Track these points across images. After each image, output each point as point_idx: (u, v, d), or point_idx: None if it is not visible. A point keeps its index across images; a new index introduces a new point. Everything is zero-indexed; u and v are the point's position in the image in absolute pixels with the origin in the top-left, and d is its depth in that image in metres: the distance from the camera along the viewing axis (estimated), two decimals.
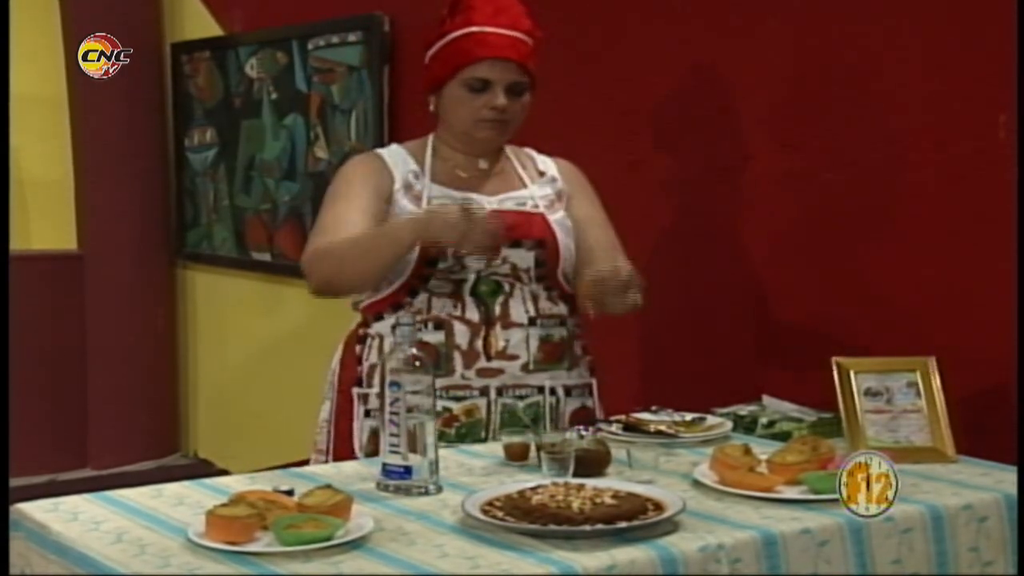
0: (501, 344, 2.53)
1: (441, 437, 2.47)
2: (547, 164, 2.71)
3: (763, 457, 2.21)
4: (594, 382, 2.70)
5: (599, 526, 1.85)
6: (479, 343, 2.53)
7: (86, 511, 2.02)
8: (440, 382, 2.49)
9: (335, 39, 4.50)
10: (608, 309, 2.46)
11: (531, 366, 2.56)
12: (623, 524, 1.86)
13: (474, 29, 2.53)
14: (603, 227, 2.69)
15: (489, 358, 2.53)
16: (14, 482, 2.79)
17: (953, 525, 2.07)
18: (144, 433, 5.40)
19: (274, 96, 4.83)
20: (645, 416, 2.60)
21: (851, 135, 3.03)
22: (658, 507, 1.94)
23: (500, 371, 2.54)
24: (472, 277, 2.53)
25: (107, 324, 5.34)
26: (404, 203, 2.55)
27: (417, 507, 2.04)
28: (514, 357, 2.55)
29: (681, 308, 3.46)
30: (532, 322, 2.56)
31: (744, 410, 2.77)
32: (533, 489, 1.98)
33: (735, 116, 3.29)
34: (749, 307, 3.30)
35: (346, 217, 2.52)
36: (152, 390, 5.41)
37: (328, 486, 1.97)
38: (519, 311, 2.54)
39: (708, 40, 3.31)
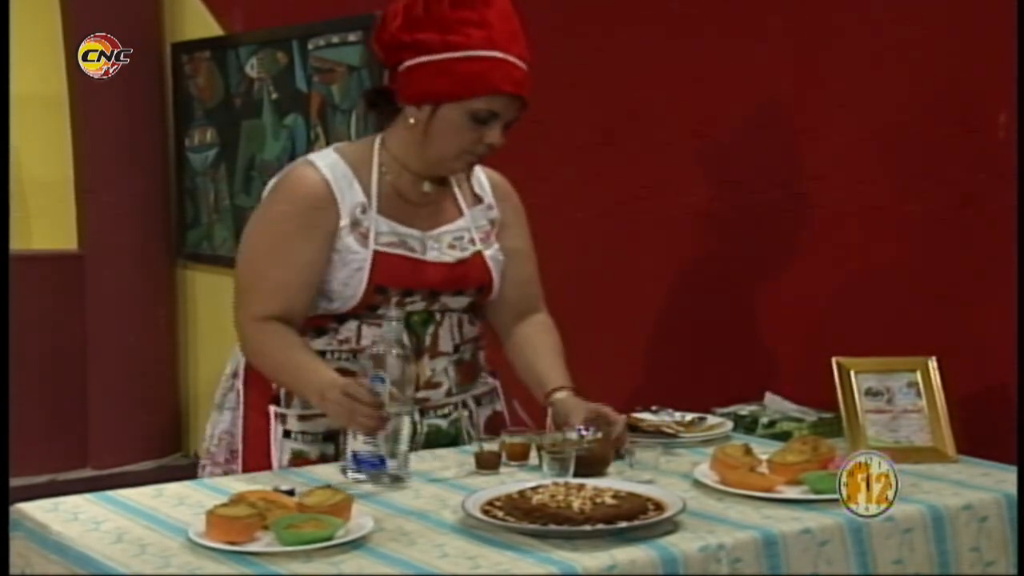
0: (428, 374, 2.47)
1: None
2: (483, 184, 2.57)
3: (764, 457, 2.21)
4: (497, 385, 2.65)
5: (599, 526, 1.85)
6: None
7: (86, 511, 2.02)
8: None
9: (335, 39, 4.50)
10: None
11: (453, 390, 2.52)
12: (623, 524, 1.86)
13: (498, 55, 2.33)
14: (528, 259, 2.61)
15: (417, 388, 2.40)
16: (14, 482, 2.78)
17: (954, 525, 2.07)
18: (144, 433, 5.40)
19: (274, 96, 4.83)
20: (646, 416, 2.60)
21: (850, 137, 3.03)
22: (658, 507, 1.94)
23: (426, 399, 2.48)
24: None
25: (107, 324, 5.34)
26: (349, 241, 2.39)
27: (417, 507, 2.04)
28: (438, 385, 2.50)
29: (681, 308, 3.47)
30: (456, 349, 2.51)
31: (745, 410, 2.78)
32: (533, 489, 1.98)
33: (732, 114, 3.29)
34: (750, 307, 3.30)
35: (283, 281, 2.39)
36: (152, 390, 5.41)
37: (328, 486, 1.97)
38: (447, 341, 2.49)
39: (698, 42, 3.31)
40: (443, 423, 2.51)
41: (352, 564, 1.77)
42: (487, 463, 2.28)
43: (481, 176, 2.58)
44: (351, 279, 2.39)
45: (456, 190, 2.53)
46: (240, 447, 2.51)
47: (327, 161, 2.44)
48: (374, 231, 2.41)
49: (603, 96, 3.56)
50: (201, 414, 5.51)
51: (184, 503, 2.06)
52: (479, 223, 2.53)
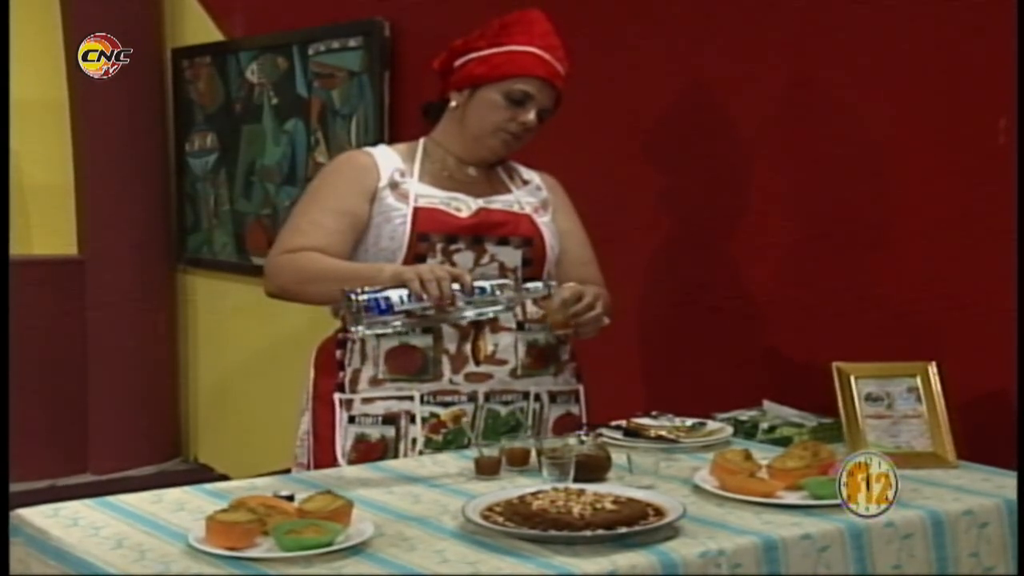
0: (490, 348, 2.54)
1: (428, 444, 2.52)
2: (531, 175, 2.74)
3: (764, 462, 2.21)
4: (580, 388, 2.71)
5: (600, 531, 1.85)
6: (467, 347, 2.53)
7: (86, 516, 2.02)
8: (428, 387, 2.53)
9: (336, 44, 4.50)
10: (579, 335, 2.49)
11: (519, 371, 2.57)
12: (624, 529, 1.86)
13: (535, 50, 2.56)
14: (582, 243, 2.73)
15: (478, 363, 2.54)
16: (14, 487, 2.78)
17: (954, 530, 2.07)
18: (144, 438, 5.40)
19: (275, 101, 4.83)
20: (646, 421, 2.60)
21: (851, 141, 3.03)
22: (659, 512, 1.94)
23: (488, 376, 2.54)
24: None
25: (107, 329, 5.33)
26: (391, 200, 2.54)
27: (418, 512, 2.04)
28: (503, 362, 2.55)
29: (681, 313, 3.46)
30: (520, 326, 2.57)
31: (745, 415, 2.77)
32: (534, 494, 1.98)
33: (734, 125, 3.29)
34: (750, 312, 3.30)
35: (322, 222, 2.51)
36: (152, 395, 5.41)
37: (328, 491, 1.97)
38: (508, 315, 2.53)
39: (704, 55, 3.31)
40: (502, 410, 2.55)
41: (352, 569, 1.77)
42: (487, 468, 2.28)
43: (531, 172, 2.74)
44: (396, 232, 2.52)
45: (505, 178, 2.68)
46: (311, 441, 2.59)
47: (375, 148, 2.67)
48: (414, 192, 2.55)
49: (614, 102, 3.57)
50: (201, 419, 5.51)
51: (184, 508, 2.06)
52: (528, 199, 2.66)
